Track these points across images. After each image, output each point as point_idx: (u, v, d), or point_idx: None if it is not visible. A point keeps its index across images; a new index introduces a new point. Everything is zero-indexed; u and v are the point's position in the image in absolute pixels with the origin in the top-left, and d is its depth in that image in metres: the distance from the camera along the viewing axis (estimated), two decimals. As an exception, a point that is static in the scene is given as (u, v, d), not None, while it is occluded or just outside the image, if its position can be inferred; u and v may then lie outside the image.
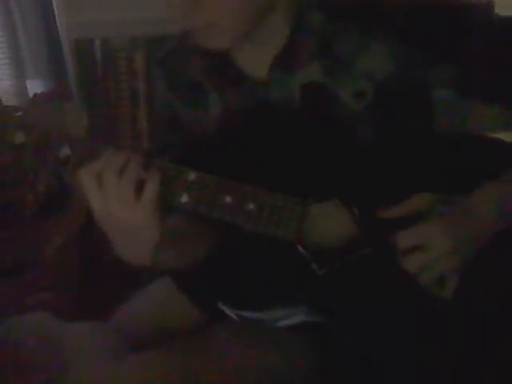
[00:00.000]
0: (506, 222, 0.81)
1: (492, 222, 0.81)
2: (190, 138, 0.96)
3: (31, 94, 1.97)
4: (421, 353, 0.82)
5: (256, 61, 0.87)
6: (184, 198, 0.78)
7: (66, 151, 0.78)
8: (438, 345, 0.82)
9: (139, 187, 0.75)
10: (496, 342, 0.83)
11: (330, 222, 0.84)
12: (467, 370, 0.82)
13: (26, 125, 0.78)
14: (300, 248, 0.83)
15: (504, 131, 0.91)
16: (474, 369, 0.82)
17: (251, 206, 0.79)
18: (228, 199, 0.79)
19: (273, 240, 0.82)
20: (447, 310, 0.82)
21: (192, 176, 0.78)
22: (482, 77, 0.85)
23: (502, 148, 0.89)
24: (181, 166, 0.79)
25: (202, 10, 0.78)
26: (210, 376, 0.85)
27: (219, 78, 0.89)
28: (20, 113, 0.87)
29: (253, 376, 0.87)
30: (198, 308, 1.04)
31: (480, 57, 0.84)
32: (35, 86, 1.99)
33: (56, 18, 1.93)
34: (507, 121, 0.88)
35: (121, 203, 0.74)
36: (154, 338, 0.96)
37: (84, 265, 1.64)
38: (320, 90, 0.86)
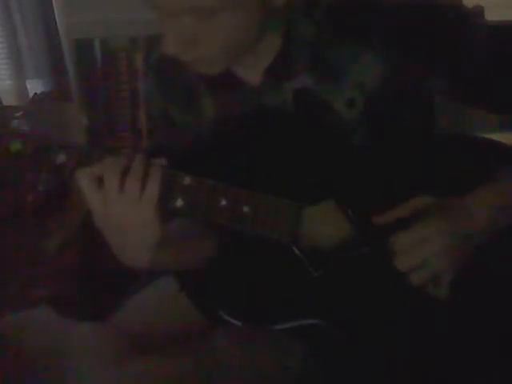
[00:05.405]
0: (501, 223, 0.81)
1: (487, 224, 0.81)
2: (186, 141, 0.96)
3: (31, 94, 1.96)
4: (420, 352, 0.83)
5: (250, 67, 0.87)
6: (179, 202, 0.79)
7: (62, 158, 0.78)
8: (437, 344, 0.82)
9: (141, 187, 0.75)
10: (495, 341, 0.83)
11: (325, 224, 0.84)
12: (467, 369, 0.82)
13: (22, 133, 0.78)
14: (296, 250, 0.83)
15: (501, 132, 0.91)
16: (473, 369, 0.82)
17: (246, 209, 0.80)
18: (223, 202, 0.79)
19: (268, 242, 0.82)
20: (446, 310, 0.82)
21: (187, 180, 0.78)
22: (480, 86, 0.85)
23: (498, 149, 0.89)
24: (175, 170, 0.79)
25: (200, 46, 0.77)
26: (210, 380, 0.85)
27: (213, 82, 0.89)
28: (20, 113, 0.87)
29: (252, 379, 0.87)
30: (201, 312, 1.03)
31: (477, 66, 0.84)
32: (35, 86, 1.99)
33: (56, 18, 1.92)
34: (506, 123, 0.89)
35: (123, 203, 0.74)
36: (153, 341, 0.96)
37: (84, 264, 1.64)
38: (313, 95, 0.87)
